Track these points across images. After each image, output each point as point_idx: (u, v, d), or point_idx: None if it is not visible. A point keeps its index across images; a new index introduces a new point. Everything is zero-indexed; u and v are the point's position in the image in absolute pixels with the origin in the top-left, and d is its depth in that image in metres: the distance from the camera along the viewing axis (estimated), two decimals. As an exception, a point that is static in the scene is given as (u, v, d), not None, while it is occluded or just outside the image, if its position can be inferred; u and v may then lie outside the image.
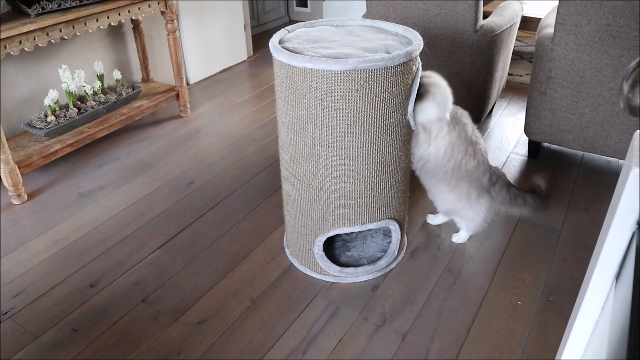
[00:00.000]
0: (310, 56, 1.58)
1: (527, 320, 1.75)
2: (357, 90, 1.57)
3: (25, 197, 2.45)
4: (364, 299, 1.85)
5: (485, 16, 2.97)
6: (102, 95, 2.85)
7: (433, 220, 2.22)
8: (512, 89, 3.50)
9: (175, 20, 2.98)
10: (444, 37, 2.60)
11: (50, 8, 2.37)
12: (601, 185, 2.45)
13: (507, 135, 2.91)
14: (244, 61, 4.18)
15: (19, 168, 2.38)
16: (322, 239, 1.85)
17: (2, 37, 2.14)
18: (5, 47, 2.19)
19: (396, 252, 1.96)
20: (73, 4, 2.46)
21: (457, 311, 1.79)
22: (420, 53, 1.79)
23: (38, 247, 2.14)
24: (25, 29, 2.22)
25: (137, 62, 3.36)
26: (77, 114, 2.70)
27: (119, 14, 2.65)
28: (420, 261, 2.02)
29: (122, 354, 1.66)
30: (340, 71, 1.53)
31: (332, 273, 1.92)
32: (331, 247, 2.04)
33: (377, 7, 2.72)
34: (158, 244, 2.14)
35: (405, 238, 2.11)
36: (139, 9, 2.75)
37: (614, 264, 0.60)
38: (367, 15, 2.81)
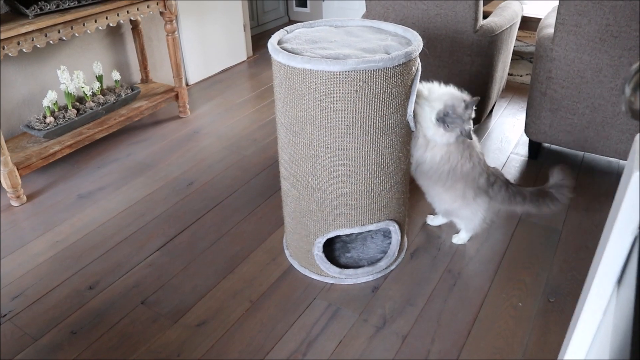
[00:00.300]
0: (309, 57, 1.57)
1: (528, 321, 1.74)
2: (357, 91, 1.56)
3: (24, 198, 2.45)
4: (364, 300, 1.84)
5: (485, 16, 2.96)
6: (101, 96, 2.85)
7: (433, 221, 2.21)
8: (512, 89, 3.49)
9: (174, 21, 2.97)
10: (444, 37, 2.59)
11: (49, 9, 2.36)
12: (602, 185, 2.44)
13: (508, 136, 2.91)
14: (244, 61, 4.17)
15: (18, 170, 2.38)
16: (321, 240, 1.85)
17: (0, 38, 2.13)
18: (3, 49, 2.18)
19: (396, 253, 1.96)
20: (71, 4, 2.45)
21: (457, 312, 1.79)
22: (420, 53, 1.79)
23: (37, 249, 2.14)
24: (23, 30, 2.21)
25: (136, 62, 3.35)
26: (76, 115, 2.69)
27: (118, 15, 2.64)
28: (420, 262, 2.02)
29: (121, 357, 1.65)
30: (340, 72, 1.53)
31: (332, 274, 1.91)
32: (331, 249, 2.03)
33: (377, 7, 2.71)
34: (157, 246, 2.14)
35: (405, 239, 2.10)
36: (137, 9, 2.74)
37: (616, 269, 0.59)
38: (366, 16, 2.80)
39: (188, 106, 3.27)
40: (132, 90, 3.00)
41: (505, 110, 3.21)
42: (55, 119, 2.63)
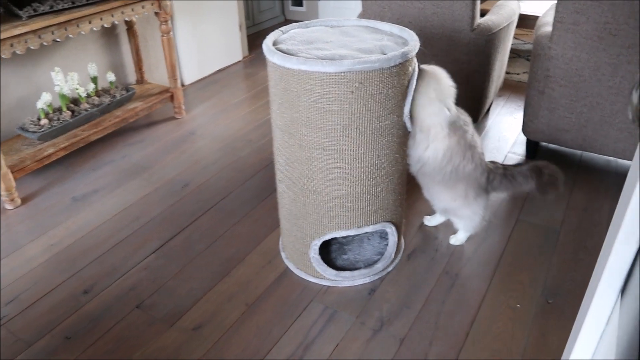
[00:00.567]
0: (304, 58, 1.55)
1: (527, 323, 1.73)
2: (352, 92, 1.54)
3: (19, 201, 2.42)
4: (360, 303, 1.83)
5: (483, 14, 2.95)
6: (95, 98, 2.82)
7: (430, 221, 2.20)
8: (510, 88, 3.48)
9: (169, 21, 2.95)
10: (441, 36, 2.58)
11: (42, 10, 2.34)
12: (600, 184, 2.43)
13: (505, 135, 2.89)
14: (239, 61, 4.15)
15: (12, 172, 2.35)
16: (317, 242, 1.83)
17: (-8, 40, 2.11)
18: (-4, 50, 2.16)
19: (393, 255, 1.94)
20: (65, 6, 2.43)
21: (455, 314, 1.77)
22: (417, 53, 1.77)
23: (31, 252, 2.12)
24: (16, 31, 2.19)
25: (131, 63, 3.33)
26: (71, 117, 2.67)
27: (112, 16, 2.62)
28: (417, 264, 2.00)
29: (116, 362, 1.63)
30: (335, 73, 1.51)
31: (328, 277, 1.89)
32: (327, 251, 2.01)
33: (373, 7, 2.69)
34: (153, 249, 2.12)
35: (402, 240, 2.08)
36: (132, 10, 2.72)
37: (619, 278, 0.58)
38: (362, 15, 2.78)
39: (183, 107, 3.25)
40: (127, 91, 2.97)
41: (503, 109, 3.20)
42: (49, 121, 2.60)
